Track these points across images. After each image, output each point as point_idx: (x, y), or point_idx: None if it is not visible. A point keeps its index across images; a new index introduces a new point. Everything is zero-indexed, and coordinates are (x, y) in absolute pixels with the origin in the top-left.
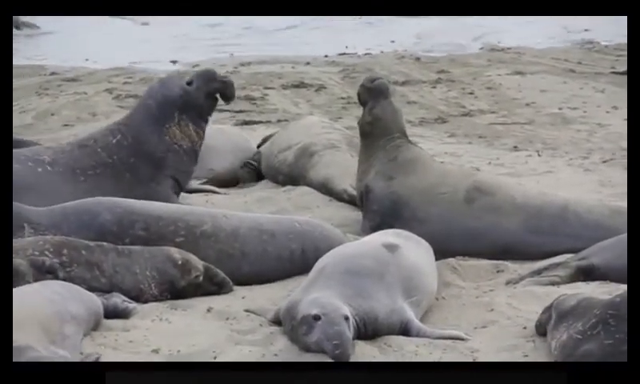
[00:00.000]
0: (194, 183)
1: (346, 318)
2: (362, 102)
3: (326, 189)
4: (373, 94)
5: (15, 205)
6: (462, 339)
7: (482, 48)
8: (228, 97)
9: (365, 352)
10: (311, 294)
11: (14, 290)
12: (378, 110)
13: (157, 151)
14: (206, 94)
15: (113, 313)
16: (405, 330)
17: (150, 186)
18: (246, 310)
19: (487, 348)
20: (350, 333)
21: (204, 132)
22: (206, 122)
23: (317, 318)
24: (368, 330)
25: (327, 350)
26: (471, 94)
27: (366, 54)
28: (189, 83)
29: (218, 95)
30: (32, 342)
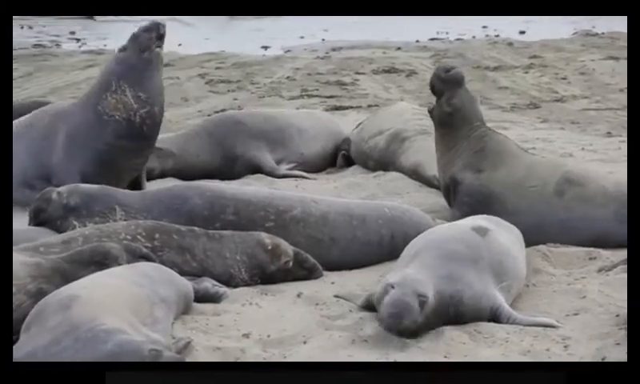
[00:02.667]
0: (284, 167)
1: (421, 296)
2: (437, 92)
3: (416, 174)
4: (448, 83)
5: (107, 187)
6: (554, 326)
7: (575, 33)
8: (159, 35)
9: (454, 338)
10: (407, 269)
11: (103, 271)
12: (457, 100)
13: (90, 124)
14: (138, 51)
15: (203, 297)
16: (495, 316)
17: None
18: (336, 296)
19: (579, 335)
20: (416, 310)
21: (150, 97)
22: (153, 86)
23: (392, 287)
24: (451, 314)
25: (383, 316)
26: (564, 79)
27: (457, 39)
28: (122, 49)
29: (152, 47)
30: (122, 325)
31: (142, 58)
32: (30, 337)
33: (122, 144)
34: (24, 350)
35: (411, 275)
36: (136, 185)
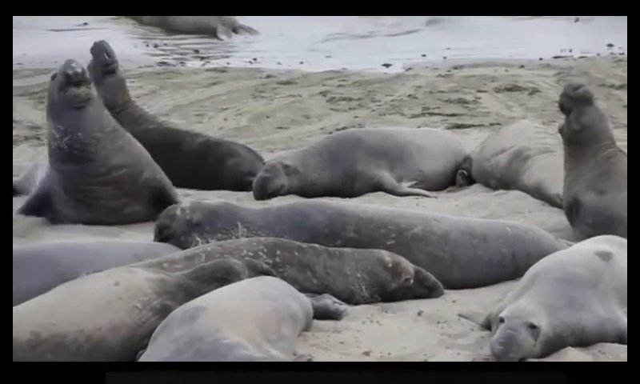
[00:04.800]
0: (404, 185)
1: (531, 327)
2: (566, 110)
3: (539, 193)
4: (577, 101)
5: (230, 204)
6: None
7: None
8: (67, 78)
9: (577, 358)
10: (520, 300)
11: (236, 283)
12: (586, 118)
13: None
14: (57, 88)
15: (323, 314)
16: (621, 339)
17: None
18: (459, 315)
19: None
20: (526, 340)
21: (70, 127)
22: (74, 119)
23: (502, 320)
24: (572, 341)
25: (493, 350)
26: None
27: (581, 57)
28: (52, 78)
29: (66, 88)
30: (244, 340)
31: (59, 96)
32: (156, 347)
33: (70, 168)
34: (148, 360)
35: (520, 305)
36: (161, 201)
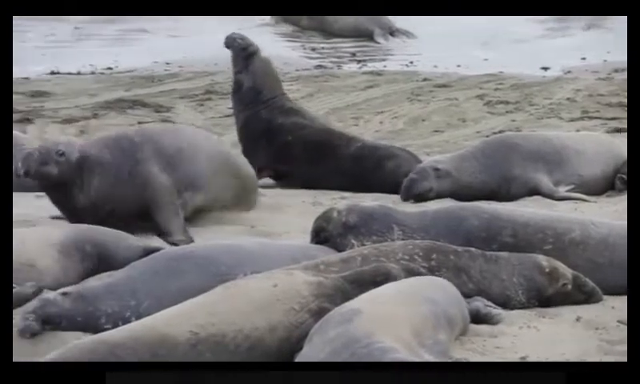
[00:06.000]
0: (562, 190)
1: None
2: None
3: None
4: None
5: (386, 206)
6: None
7: None
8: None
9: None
10: None
11: (396, 283)
12: None
13: None
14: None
15: (478, 318)
16: None
17: None
18: (619, 321)
19: None
20: None
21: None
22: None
23: None
24: None
25: None
26: None
27: None
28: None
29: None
30: (398, 344)
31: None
32: (312, 347)
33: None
34: (304, 359)
35: None
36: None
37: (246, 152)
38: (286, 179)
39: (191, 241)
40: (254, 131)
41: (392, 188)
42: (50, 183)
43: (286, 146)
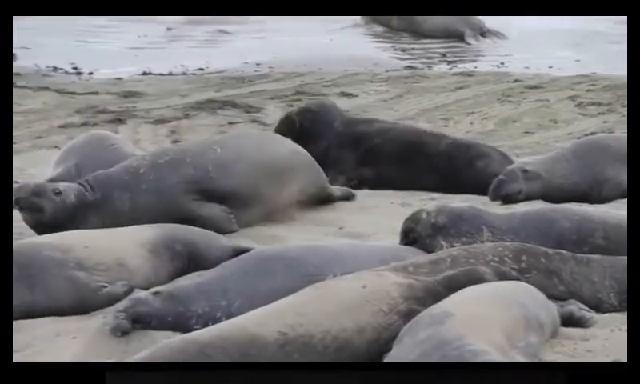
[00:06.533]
0: None
1: None
2: None
3: None
4: None
5: (475, 207)
6: None
7: None
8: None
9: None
10: None
11: (481, 287)
12: None
13: None
14: None
15: (568, 320)
16: None
17: None
18: None
19: None
20: None
21: None
22: None
23: None
24: None
25: None
26: None
27: None
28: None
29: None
30: (490, 347)
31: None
32: (401, 348)
33: None
34: (393, 360)
35: None
36: None
37: (331, 163)
38: (372, 183)
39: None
40: (339, 144)
41: (480, 188)
42: (40, 221)
43: (372, 150)
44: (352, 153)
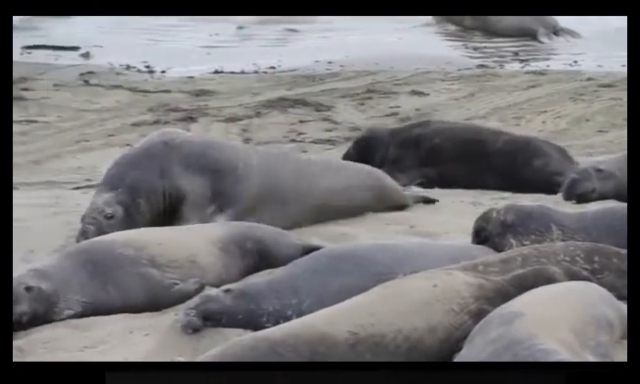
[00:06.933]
0: None
1: None
2: None
3: None
4: None
5: (544, 206)
6: None
7: None
8: None
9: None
10: None
11: (551, 287)
12: None
13: None
14: None
15: None
16: None
17: None
18: None
19: None
20: None
21: None
22: None
23: None
24: None
25: None
26: None
27: None
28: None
29: None
30: (560, 346)
31: None
32: (472, 348)
33: None
34: (463, 360)
35: None
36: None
37: (394, 165)
38: (436, 182)
39: None
40: (400, 147)
41: (540, 187)
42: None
43: (433, 149)
44: (414, 154)
